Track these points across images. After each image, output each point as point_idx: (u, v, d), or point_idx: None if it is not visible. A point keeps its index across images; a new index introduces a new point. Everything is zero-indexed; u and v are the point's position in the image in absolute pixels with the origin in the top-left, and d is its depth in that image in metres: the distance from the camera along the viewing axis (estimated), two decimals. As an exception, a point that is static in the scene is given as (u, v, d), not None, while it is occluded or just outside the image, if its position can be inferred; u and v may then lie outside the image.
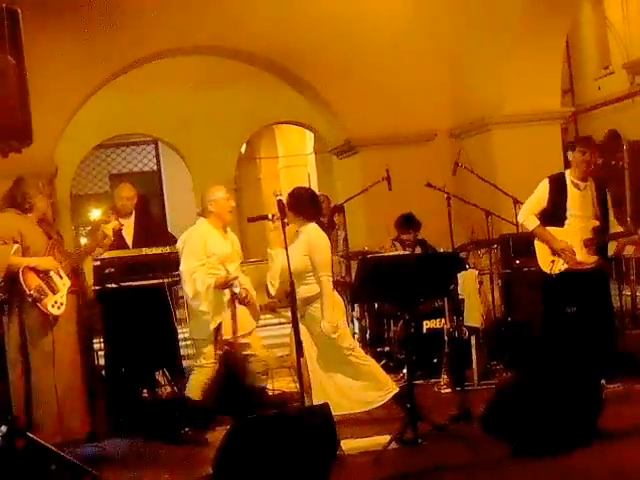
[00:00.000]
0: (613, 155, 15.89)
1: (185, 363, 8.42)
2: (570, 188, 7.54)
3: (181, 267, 7.06)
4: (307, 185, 21.16)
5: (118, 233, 7.53)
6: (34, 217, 6.79)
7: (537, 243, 7.59)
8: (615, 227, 7.66)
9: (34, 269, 6.50)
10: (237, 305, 7.14)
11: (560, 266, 7.44)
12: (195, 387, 7.15)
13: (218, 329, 7.07)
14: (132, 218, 8.31)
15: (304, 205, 6.96)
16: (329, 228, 12.08)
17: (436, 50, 11.91)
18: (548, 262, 7.49)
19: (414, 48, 11.84)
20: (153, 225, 9.07)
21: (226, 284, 7.04)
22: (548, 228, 7.54)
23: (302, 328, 6.81)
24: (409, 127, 11.88)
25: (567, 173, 7.64)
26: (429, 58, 11.92)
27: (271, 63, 12.20)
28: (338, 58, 11.66)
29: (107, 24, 10.87)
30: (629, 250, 9.66)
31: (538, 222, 7.57)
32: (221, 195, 7.25)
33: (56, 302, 6.52)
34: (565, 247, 7.41)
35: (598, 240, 7.49)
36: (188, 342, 8.50)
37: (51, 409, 6.51)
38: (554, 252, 7.47)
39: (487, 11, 11.06)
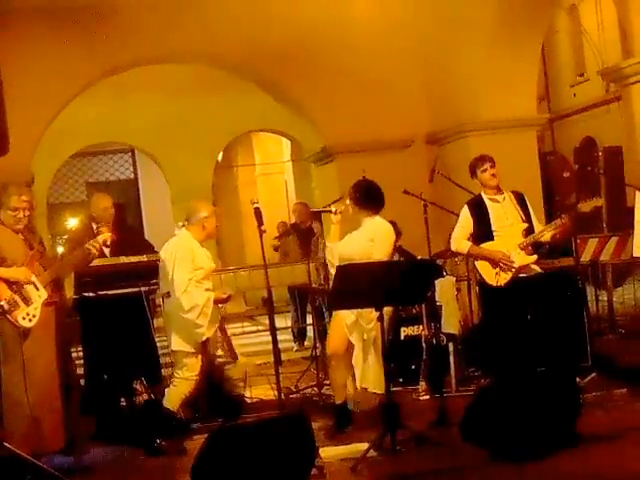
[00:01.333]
0: (589, 161, 16.04)
1: (164, 371, 8.39)
2: (489, 204, 7.66)
3: (175, 278, 6.91)
4: (284, 190, 21.36)
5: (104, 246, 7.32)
6: (14, 224, 6.61)
7: (477, 263, 7.67)
8: (540, 228, 7.73)
9: (7, 280, 6.33)
10: None
11: (505, 276, 7.51)
12: (175, 399, 7.09)
13: (204, 341, 7.06)
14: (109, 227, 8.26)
15: (368, 199, 7.22)
16: (308, 236, 12.10)
17: (413, 57, 11.95)
18: (493, 275, 7.56)
19: (391, 55, 11.87)
20: (130, 233, 9.04)
21: (227, 299, 7.13)
22: (483, 245, 7.62)
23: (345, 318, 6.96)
24: (386, 134, 11.89)
25: (482, 193, 7.75)
26: (406, 65, 11.95)
27: (248, 71, 12.20)
28: (315, 65, 11.68)
29: (83, 33, 10.84)
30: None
31: (470, 243, 7.68)
32: (212, 213, 7.20)
33: (28, 314, 6.33)
34: (502, 256, 7.48)
35: (531, 240, 7.56)
36: (167, 350, 8.47)
37: (21, 422, 6.32)
38: (495, 264, 7.54)
39: (464, 19, 11.11)
